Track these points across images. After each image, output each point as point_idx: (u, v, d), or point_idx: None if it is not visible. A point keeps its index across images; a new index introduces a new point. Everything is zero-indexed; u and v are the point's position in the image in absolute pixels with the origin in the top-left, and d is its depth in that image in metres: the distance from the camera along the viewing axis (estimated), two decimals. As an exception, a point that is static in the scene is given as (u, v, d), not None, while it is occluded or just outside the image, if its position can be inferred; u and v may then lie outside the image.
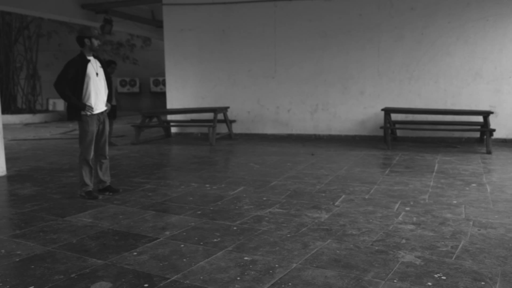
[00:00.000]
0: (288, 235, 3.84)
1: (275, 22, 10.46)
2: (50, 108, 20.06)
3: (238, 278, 3.00)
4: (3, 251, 3.55)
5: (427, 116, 9.44)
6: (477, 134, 9.40)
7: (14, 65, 16.57)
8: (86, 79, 4.99)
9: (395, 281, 2.93)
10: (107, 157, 5.39)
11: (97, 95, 5.09)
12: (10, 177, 6.44)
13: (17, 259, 3.38)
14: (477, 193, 5.20)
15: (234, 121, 10.74)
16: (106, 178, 5.38)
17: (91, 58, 5.10)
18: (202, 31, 11.00)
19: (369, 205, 4.73)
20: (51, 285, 2.93)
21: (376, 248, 3.52)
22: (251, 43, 10.65)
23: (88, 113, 5.01)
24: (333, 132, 10.33)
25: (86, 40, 5.04)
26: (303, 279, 2.98)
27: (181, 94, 11.30)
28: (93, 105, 5.05)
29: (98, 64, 5.16)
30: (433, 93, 9.66)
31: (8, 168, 6.76)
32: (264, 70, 10.66)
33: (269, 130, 10.78)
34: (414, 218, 4.29)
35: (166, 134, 11.01)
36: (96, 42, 5.07)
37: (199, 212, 4.54)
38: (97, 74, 5.09)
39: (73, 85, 4.97)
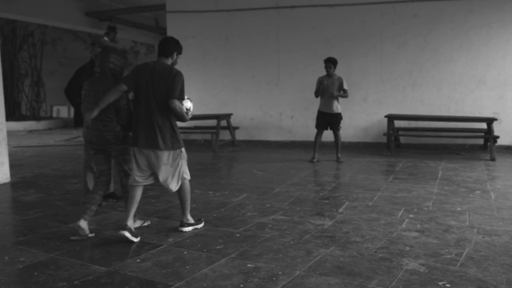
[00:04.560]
0: (292, 242, 3.83)
1: (278, 29, 10.49)
2: (54, 115, 20.14)
3: (242, 286, 2.99)
4: (6, 258, 3.55)
5: (430, 122, 9.43)
6: (480, 141, 9.37)
7: (19, 72, 16.66)
8: None
9: (399, 288, 2.91)
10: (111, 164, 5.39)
11: None
12: (14, 184, 6.45)
13: (21, 266, 3.38)
14: (481, 200, 5.18)
15: (237, 127, 10.75)
16: (110, 185, 5.38)
17: None
18: (205, 38, 11.04)
19: (373, 212, 4.72)
20: (54, 292, 2.93)
21: (380, 255, 3.50)
22: (254, 50, 10.68)
23: None
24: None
25: (91, 47, 5.12)
26: (306, 287, 2.96)
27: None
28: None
29: None
30: (437, 100, 9.65)
31: (12, 175, 6.78)
32: (267, 77, 10.68)
33: (272, 136, 10.78)
34: (418, 225, 4.27)
35: (169, 141, 11.01)
36: (99, 50, 5.12)
37: (202, 218, 4.54)
38: None
39: (82, 91, 5.01)
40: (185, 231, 4.12)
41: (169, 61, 4.01)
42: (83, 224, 3.94)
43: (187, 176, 4.12)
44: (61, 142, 11.84)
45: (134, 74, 3.96)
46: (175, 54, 4.02)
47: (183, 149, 4.04)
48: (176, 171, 3.98)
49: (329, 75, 7.88)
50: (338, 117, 8.00)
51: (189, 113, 4.07)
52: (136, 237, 3.89)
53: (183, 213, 4.19)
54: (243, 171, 7.30)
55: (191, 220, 4.21)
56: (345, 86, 7.83)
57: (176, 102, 3.87)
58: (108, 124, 4.01)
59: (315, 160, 8.09)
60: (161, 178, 3.96)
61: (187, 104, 4.03)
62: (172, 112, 3.93)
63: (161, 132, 3.88)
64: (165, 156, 3.92)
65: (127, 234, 3.81)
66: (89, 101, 4.08)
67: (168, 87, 3.85)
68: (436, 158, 8.25)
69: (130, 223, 3.90)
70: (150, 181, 4.04)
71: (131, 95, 4.06)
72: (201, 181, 6.49)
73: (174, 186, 4.01)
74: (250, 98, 10.82)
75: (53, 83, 18.73)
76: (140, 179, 3.99)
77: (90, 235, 4.02)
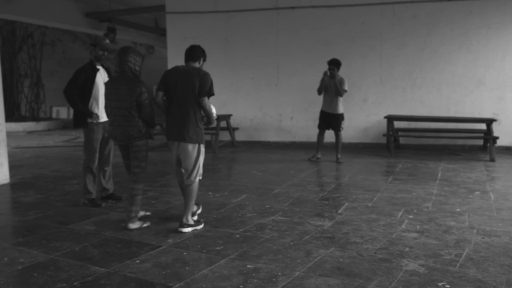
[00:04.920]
0: (291, 243, 3.83)
1: (278, 30, 10.50)
2: (54, 116, 20.13)
3: (241, 286, 2.99)
4: (6, 259, 3.55)
5: (430, 123, 9.43)
6: (480, 142, 9.38)
7: (18, 73, 16.65)
8: (94, 87, 5.03)
9: (398, 289, 2.91)
10: (111, 165, 5.39)
11: (103, 103, 5.11)
12: (13, 185, 6.45)
13: (20, 267, 3.38)
14: (481, 201, 5.18)
15: (237, 128, 10.74)
16: (109, 186, 5.39)
17: (99, 67, 5.15)
18: (205, 39, 11.00)
19: (372, 213, 4.72)
20: (53, 293, 2.93)
21: (380, 256, 3.50)
22: (254, 51, 10.68)
23: (94, 121, 5.04)
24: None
25: (91, 47, 5.10)
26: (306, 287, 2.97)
27: (184, 101, 11.30)
28: (99, 113, 5.07)
29: (106, 73, 5.21)
30: (436, 101, 9.65)
31: (11, 176, 6.78)
32: (267, 78, 10.68)
33: (272, 137, 10.77)
34: (418, 226, 4.27)
35: (169, 142, 11.01)
36: (100, 52, 5.11)
37: (202, 220, 4.54)
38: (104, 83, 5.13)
39: (81, 92, 5.01)
40: (184, 232, 4.13)
41: (197, 65, 4.29)
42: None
43: (200, 175, 4.32)
44: (61, 143, 11.84)
45: (164, 77, 4.27)
46: (201, 59, 4.35)
47: (203, 146, 4.29)
48: (196, 164, 4.24)
49: (332, 76, 7.89)
50: (339, 118, 8.02)
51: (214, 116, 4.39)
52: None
53: (184, 213, 4.23)
54: (243, 172, 7.30)
55: (191, 221, 4.24)
56: (345, 87, 7.85)
57: (206, 100, 4.19)
58: (131, 120, 4.22)
59: (314, 158, 8.15)
60: (184, 168, 4.27)
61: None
62: (199, 110, 4.20)
63: (187, 126, 4.15)
64: (189, 148, 4.19)
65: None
66: (112, 99, 4.28)
67: (197, 86, 4.13)
68: (435, 158, 8.25)
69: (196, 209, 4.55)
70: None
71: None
72: (201, 182, 6.43)
73: (192, 179, 4.25)
74: (250, 99, 10.82)
75: (52, 84, 18.73)
76: (179, 175, 4.38)
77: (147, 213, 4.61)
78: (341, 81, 7.86)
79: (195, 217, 4.45)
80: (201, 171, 4.32)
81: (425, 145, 9.67)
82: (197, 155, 4.23)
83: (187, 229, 4.17)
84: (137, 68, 4.31)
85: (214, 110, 4.34)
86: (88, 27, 13.28)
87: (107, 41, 5.27)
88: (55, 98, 19.08)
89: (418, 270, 3.22)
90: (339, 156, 8.06)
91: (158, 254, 3.60)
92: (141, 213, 4.52)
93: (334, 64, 7.87)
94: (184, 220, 4.21)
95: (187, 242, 3.89)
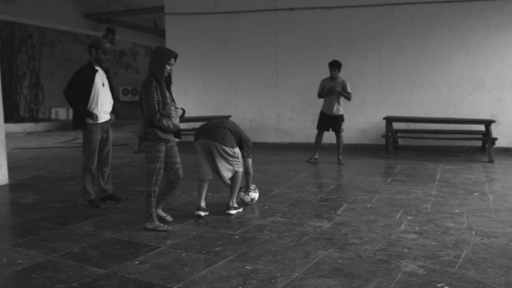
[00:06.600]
0: (290, 244, 3.83)
1: (277, 31, 10.51)
2: (53, 116, 20.13)
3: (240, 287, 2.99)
4: (4, 260, 3.55)
5: (428, 124, 9.45)
6: (479, 143, 9.39)
7: (17, 74, 16.64)
8: (93, 88, 5.04)
9: (397, 290, 2.91)
10: (109, 166, 5.39)
11: (102, 104, 5.14)
12: (12, 186, 6.45)
13: (19, 268, 3.38)
14: (480, 202, 5.18)
15: (236, 129, 10.74)
16: (108, 187, 5.39)
17: (98, 68, 5.16)
18: (204, 40, 11.05)
19: (371, 214, 4.72)
20: (52, 294, 2.92)
21: (378, 257, 3.51)
22: (253, 52, 10.70)
23: (94, 122, 5.05)
24: (335, 141, 10.30)
25: (93, 50, 5.11)
26: (305, 289, 2.96)
27: (183, 103, 11.29)
28: (98, 114, 5.08)
29: (104, 75, 5.23)
30: (435, 102, 9.67)
31: (10, 177, 6.77)
32: (266, 79, 10.69)
33: (271, 138, 10.78)
34: (416, 227, 4.28)
35: (168, 143, 11.01)
36: (101, 56, 5.13)
37: (200, 221, 4.54)
38: (103, 84, 5.15)
39: (80, 93, 5.02)
40: (232, 214, 4.77)
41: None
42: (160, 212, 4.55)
43: (240, 168, 4.83)
44: (60, 144, 11.83)
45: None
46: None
47: (235, 150, 4.75)
48: (228, 163, 4.71)
49: (333, 78, 7.91)
50: (339, 119, 8.03)
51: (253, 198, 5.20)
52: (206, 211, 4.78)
53: (230, 198, 4.86)
54: (242, 173, 7.28)
55: (236, 205, 4.87)
56: (349, 89, 7.89)
57: (250, 161, 5.06)
58: (141, 119, 4.29)
59: (312, 160, 8.16)
60: (216, 166, 4.72)
61: (254, 194, 5.20)
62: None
63: (224, 135, 4.69)
64: (224, 149, 4.64)
65: (202, 213, 4.68)
66: None
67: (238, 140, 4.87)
68: (434, 160, 8.26)
69: (203, 203, 4.77)
70: (211, 175, 4.84)
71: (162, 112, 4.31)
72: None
73: (225, 174, 4.75)
74: (249, 100, 10.83)
75: (52, 85, 18.74)
76: (206, 175, 4.81)
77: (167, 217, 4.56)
78: (344, 85, 7.87)
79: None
80: (240, 166, 4.87)
81: (424, 146, 9.68)
82: (229, 156, 4.75)
83: (233, 211, 4.80)
84: (152, 66, 4.20)
85: (255, 195, 5.26)
86: (87, 28, 13.30)
87: (108, 45, 5.28)
88: (54, 99, 19.10)
89: (417, 271, 3.22)
90: (341, 157, 8.06)
91: (157, 255, 3.60)
92: (162, 214, 4.55)
93: (336, 66, 7.87)
94: (231, 204, 4.83)
95: (186, 243, 3.89)
